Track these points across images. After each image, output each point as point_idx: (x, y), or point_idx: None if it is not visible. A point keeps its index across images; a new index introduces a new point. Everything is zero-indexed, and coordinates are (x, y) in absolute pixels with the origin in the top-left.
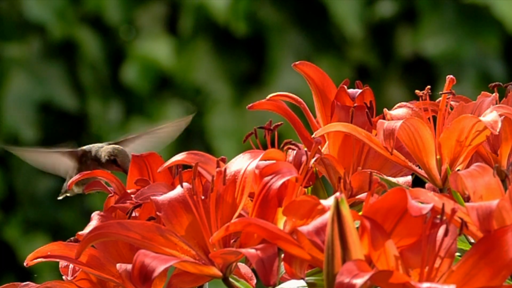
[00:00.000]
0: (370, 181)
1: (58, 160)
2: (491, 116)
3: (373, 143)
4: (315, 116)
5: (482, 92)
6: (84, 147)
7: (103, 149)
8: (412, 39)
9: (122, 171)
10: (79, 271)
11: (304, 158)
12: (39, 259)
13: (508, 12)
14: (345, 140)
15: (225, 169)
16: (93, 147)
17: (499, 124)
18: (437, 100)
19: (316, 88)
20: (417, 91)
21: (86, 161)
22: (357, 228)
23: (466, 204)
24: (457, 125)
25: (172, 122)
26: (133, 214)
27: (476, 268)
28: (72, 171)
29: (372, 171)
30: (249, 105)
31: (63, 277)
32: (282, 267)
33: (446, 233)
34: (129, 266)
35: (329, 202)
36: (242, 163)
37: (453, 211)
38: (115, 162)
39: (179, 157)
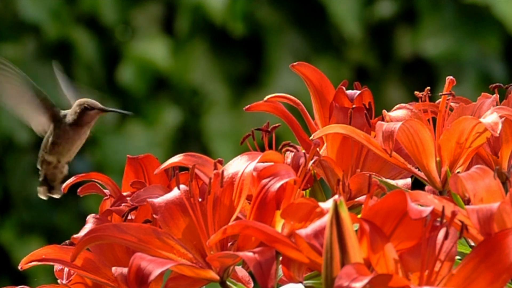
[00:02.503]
0: (369, 183)
1: (38, 114)
2: (491, 117)
3: (372, 145)
4: (313, 118)
5: (483, 93)
6: (62, 112)
7: (71, 110)
8: (412, 40)
9: (98, 110)
10: (74, 275)
11: (302, 160)
12: (34, 263)
13: (509, 12)
14: (343, 142)
15: (223, 171)
16: (66, 113)
17: (500, 126)
18: (437, 102)
19: (314, 89)
20: (416, 92)
21: (64, 127)
22: (356, 231)
23: (467, 206)
24: (457, 126)
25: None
26: (129, 217)
27: (477, 271)
28: (50, 133)
29: (371, 173)
30: (247, 107)
31: (58, 280)
32: (280, 270)
33: (446, 236)
34: (125, 270)
35: (327, 204)
36: (240, 165)
37: (453, 214)
38: (87, 109)
39: (175, 159)
